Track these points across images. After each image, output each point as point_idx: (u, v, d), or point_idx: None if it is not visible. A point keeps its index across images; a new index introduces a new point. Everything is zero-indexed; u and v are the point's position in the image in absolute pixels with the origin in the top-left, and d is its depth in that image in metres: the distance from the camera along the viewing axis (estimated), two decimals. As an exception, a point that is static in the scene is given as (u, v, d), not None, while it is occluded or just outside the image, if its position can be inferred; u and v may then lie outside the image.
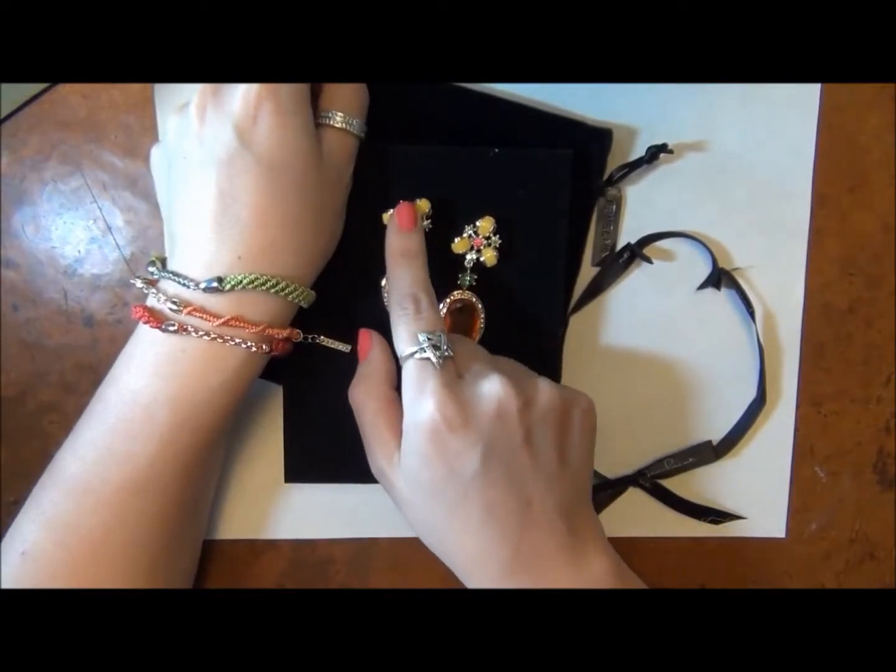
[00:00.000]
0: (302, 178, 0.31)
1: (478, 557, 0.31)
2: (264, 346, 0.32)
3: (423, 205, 0.35)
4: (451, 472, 0.30)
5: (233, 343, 0.31)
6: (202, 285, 0.31)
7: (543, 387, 0.32)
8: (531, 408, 0.31)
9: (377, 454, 0.33)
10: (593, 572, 0.31)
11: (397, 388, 0.33)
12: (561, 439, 0.32)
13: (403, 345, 0.32)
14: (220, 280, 0.30)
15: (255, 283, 0.31)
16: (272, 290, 0.31)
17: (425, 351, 0.31)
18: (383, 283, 0.36)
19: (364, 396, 0.34)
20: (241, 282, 0.30)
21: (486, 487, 0.31)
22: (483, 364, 0.32)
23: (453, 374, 0.32)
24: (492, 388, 0.31)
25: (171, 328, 0.31)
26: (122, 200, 0.38)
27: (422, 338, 0.31)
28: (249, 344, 0.31)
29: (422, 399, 0.31)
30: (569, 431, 0.32)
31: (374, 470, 0.33)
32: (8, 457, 0.39)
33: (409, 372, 0.32)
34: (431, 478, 0.31)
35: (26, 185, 0.38)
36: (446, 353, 0.32)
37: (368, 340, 0.35)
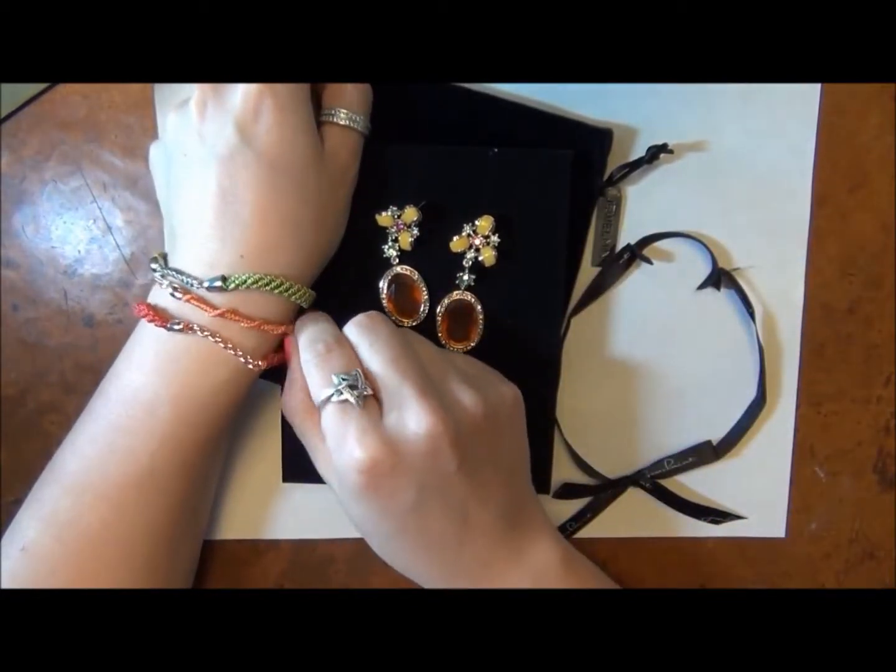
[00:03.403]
0: (302, 176, 0.31)
1: (419, 574, 0.32)
2: (260, 363, 0.32)
3: (412, 213, 0.35)
4: (385, 510, 0.30)
5: (231, 352, 0.31)
6: (205, 284, 0.31)
7: (470, 401, 0.31)
8: (462, 433, 0.30)
9: (316, 461, 0.32)
10: (535, 565, 0.32)
11: None
12: (494, 448, 0.31)
13: (318, 389, 0.30)
14: (224, 279, 0.31)
15: (259, 283, 0.31)
16: (275, 291, 0.31)
17: (342, 393, 0.30)
18: (382, 283, 0.36)
19: (287, 409, 0.33)
20: (244, 281, 0.31)
21: (421, 519, 0.30)
22: (406, 391, 0.30)
23: (376, 413, 0.30)
24: (419, 423, 0.29)
25: (177, 326, 0.31)
26: (122, 200, 0.38)
27: (336, 379, 0.30)
28: (239, 354, 0.31)
29: (345, 446, 0.29)
30: (500, 436, 0.32)
31: (320, 474, 0.33)
32: (8, 457, 0.39)
33: (329, 417, 0.30)
34: (365, 514, 0.31)
35: (26, 185, 0.38)
36: (365, 392, 0.30)
37: (288, 347, 0.33)
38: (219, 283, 0.30)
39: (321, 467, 0.32)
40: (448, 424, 0.29)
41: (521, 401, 0.33)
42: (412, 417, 0.29)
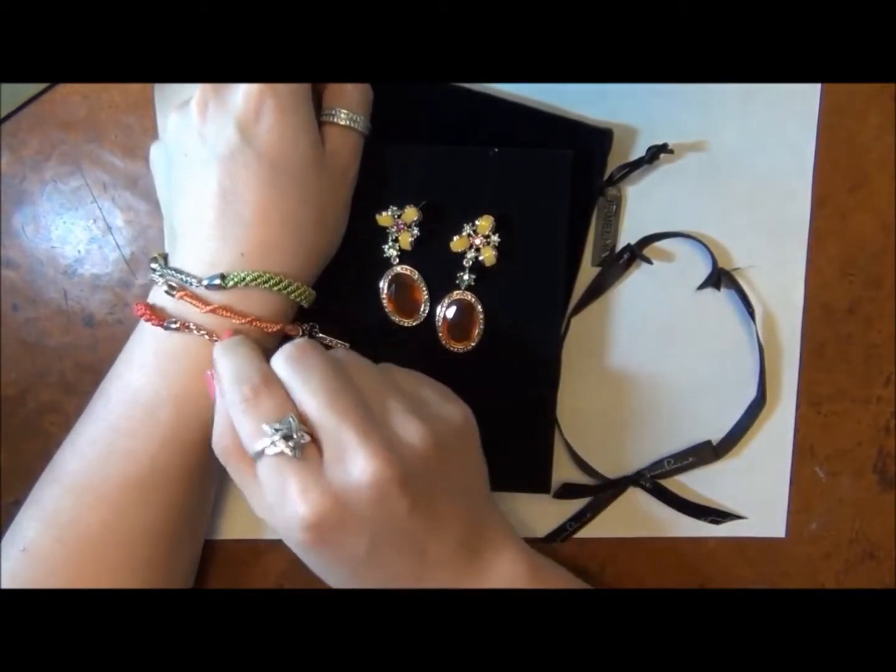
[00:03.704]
0: (303, 176, 0.31)
1: None
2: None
3: (412, 213, 0.35)
4: (337, 560, 0.28)
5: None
6: (204, 282, 0.31)
7: (416, 434, 0.28)
8: (411, 471, 0.28)
9: (254, 507, 0.30)
10: (499, 579, 0.31)
11: None
12: (446, 478, 0.29)
13: (249, 440, 0.28)
14: (223, 277, 0.30)
15: (258, 281, 0.31)
16: (274, 288, 0.31)
17: (276, 444, 0.27)
18: (382, 283, 0.36)
19: (218, 450, 0.30)
20: (244, 279, 0.31)
21: (376, 564, 0.29)
22: (346, 436, 0.27)
23: (316, 463, 0.27)
24: (364, 471, 0.27)
25: (173, 325, 0.31)
26: (122, 200, 0.38)
27: (269, 430, 0.27)
28: None
29: (286, 502, 0.27)
30: (452, 464, 0.30)
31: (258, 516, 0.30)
32: (8, 457, 0.39)
33: (265, 472, 0.27)
34: (316, 562, 0.29)
35: (26, 185, 0.38)
36: (302, 441, 0.27)
37: (210, 383, 0.30)
38: (217, 281, 0.30)
39: (262, 514, 0.29)
40: (395, 466, 0.27)
41: (471, 419, 0.31)
42: (356, 465, 0.27)
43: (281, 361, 0.29)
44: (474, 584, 0.31)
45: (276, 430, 0.27)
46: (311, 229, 0.32)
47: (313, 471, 0.27)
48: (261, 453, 0.27)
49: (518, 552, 0.32)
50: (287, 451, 0.27)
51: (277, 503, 0.27)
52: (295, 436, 0.27)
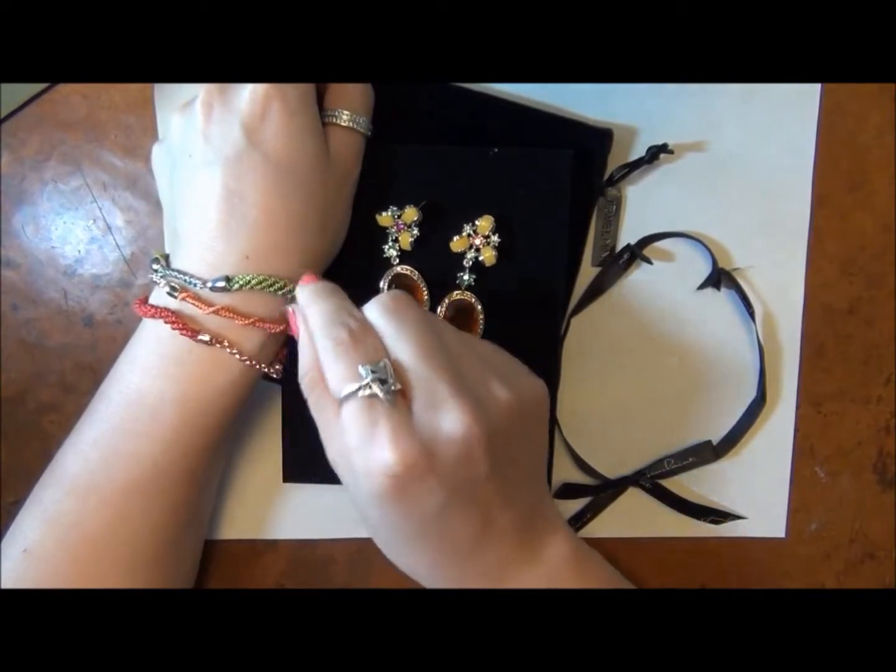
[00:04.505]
0: (309, 178, 0.31)
1: (429, 575, 0.30)
2: (261, 365, 0.32)
3: (412, 213, 0.35)
4: (408, 515, 0.28)
5: (234, 354, 0.31)
6: (209, 284, 0.31)
7: (503, 397, 0.28)
8: (494, 434, 0.28)
9: (329, 448, 0.29)
10: (549, 562, 0.30)
11: None
12: (521, 447, 0.30)
13: (342, 382, 0.27)
14: (228, 279, 0.30)
15: (263, 284, 0.31)
16: (279, 292, 0.31)
17: (371, 387, 0.27)
18: (382, 284, 0.36)
19: (304, 384, 0.30)
20: (249, 282, 0.30)
21: (443, 524, 0.28)
22: (439, 388, 0.27)
23: (405, 411, 0.27)
24: (455, 425, 0.27)
25: (205, 339, 0.31)
26: (122, 200, 0.38)
27: (364, 371, 0.27)
28: (245, 357, 0.31)
29: (373, 446, 0.27)
30: (528, 434, 0.30)
31: (328, 456, 0.30)
32: (8, 457, 0.39)
33: (354, 413, 0.27)
34: (384, 517, 0.28)
35: (26, 185, 0.38)
36: (394, 387, 0.27)
37: (293, 320, 0.30)
38: (222, 284, 0.30)
39: (335, 458, 0.29)
40: (482, 425, 0.27)
41: (547, 395, 0.31)
42: (447, 418, 0.27)
43: (377, 311, 0.29)
44: (526, 564, 0.30)
45: (373, 373, 0.27)
46: (315, 231, 0.32)
47: (404, 417, 0.27)
48: (352, 395, 0.27)
49: (567, 537, 0.31)
50: (381, 394, 0.27)
51: (362, 446, 0.27)
52: (389, 380, 0.27)
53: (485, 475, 0.28)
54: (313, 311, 0.29)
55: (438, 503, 0.27)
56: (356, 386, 0.27)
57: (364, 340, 0.28)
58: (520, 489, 0.30)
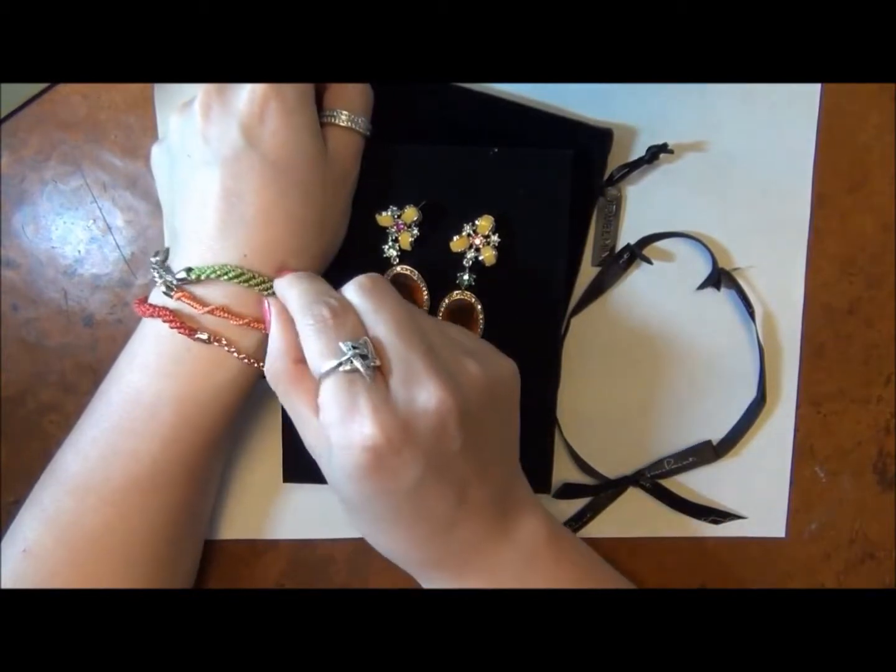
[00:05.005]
0: (307, 177, 0.31)
1: (405, 555, 0.31)
2: (260, 364, 0.32)
3: (412, 213, 0.35)
4: (383, 491, 0.28)
5: (233, 353, 0.31)
6: (178, 275, 0.31)
7: (475, 374, 0.29)
8: (468, 408, 0.29)
9: (304, 434, 0.30)
10: (523, 539, 0.31)
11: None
12: (493, 424, 0.30)
13: (321, 358, 0.28)
14: (188, 270, 0.31)
15: (219, 273, 0.30)
16: (256, 287, 0.31)
17: (352, 362, 0.27)
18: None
19: (271, 374, 0.30)
20: (214, 272, 0.30)
21: (418, 500, 0.29)
22: (415, 363, 0.28)
23: (384, 387, 0.28)
24: (429, 398, 0.28)
25: (203, 337, 0.31)
26: (122, 200, 0.38)
27: (346, 347, 0.28)
28: (242, 356, 0.31)
29: (354, 420, 0.27)
30: (500, 411, 0.31)
31: (306, 444, 0.30)
32: (8, 457, 0.39)
33: (333, 388, 0.28)
34: (359, 493, 0.29)
35: (26, 185, 0.38)
36: (374, 363, 0.28)
37: (265, 311, 0.31)
38: (183, 275, 0.31)
39: (310, 440, 0.30)
40: (457, 399, 0.28)
41: (517, 375, 0.32)
42: (423, 392, 0.28)
43: (355, 290, 0.30)
44: (502, 542, 0.31)
45: (354, 348, 0.28)
46: (314, 231, 0.32)
47: (382, 393, 0.28)
48: (333, 371, 0.28)
49: (541, 517, 0.32)
50: (361, 368, 0.27)
51: (341, 422, 0.27)
52: (369, 356, 0.28)
53: (459, 448, 0.28)
54: (293, 293, 0.30)
55: (414, 477, 0.28)
56: (337, 362, 0.28)
57: (345, 318, 0.29)
58: (493, 466, 0.30)
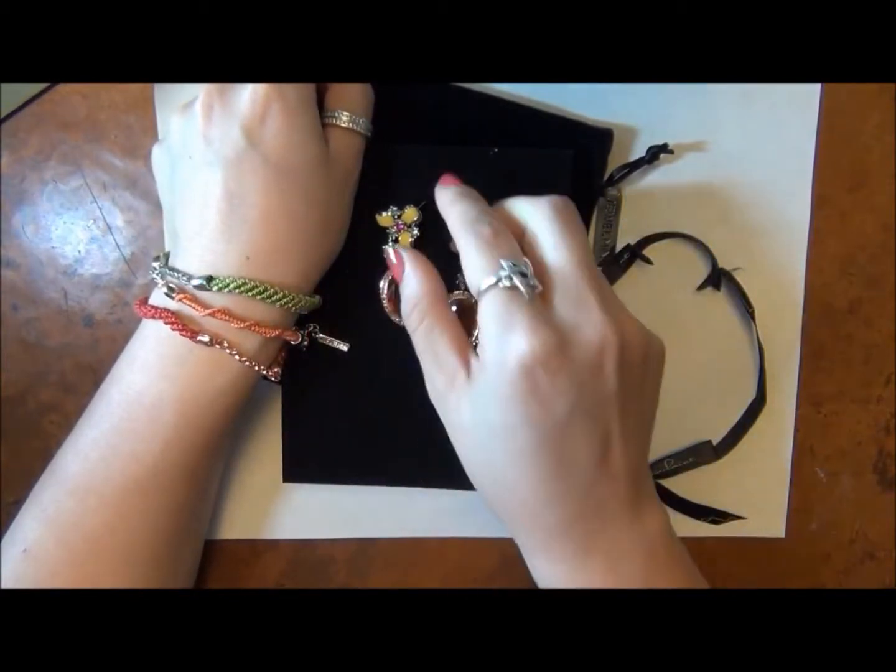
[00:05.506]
0: (309, 179, 0.31)
1: (533, 511, 0.29)
2: (261, 367, 0.32)
3: (412, 213, 0.35)
4: (531, 418, 0.27)
5: (234, 355, 0.31)
6: (194, 282, 0.30)
7: (632, 326, 0.29)
8: (627, 357, 0.28)
9: (435, 376, 0.30)
10: (648, 530, 0.30)
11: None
12: (642, 389, 0.30)
13: (480, 274, 0.28)
14: (209, 279, 0.30)
15: (243, 289, 0.30)
16: (258, 297, 0.31)
17: (512, 279, 0.27)
18: (382, 284, 0.36)
19: (415, 316, 0.30)
20: (227, 285, 0.30)
21: (564, 438, 0.28)
22: (588, 296, 0.28)
23: (544, 308, 0.28)
24: (595, 330, 0.27)
25: (204, 339, 0.31)
26: (122, 200, 0.38)
27: (505, 264, 0.28)
28: (244, 359, 0.31)
29: (512, 334, 0.27)
30: (648, 379, 0.30)
31: (430, 393, 0.31)
32: (8, 457, 0.39)
33: (493, 303, 0.28)
34: (505, 421, 0.28)
35: (26, 185, 0.38)
36: (533, 283, 0.28)
37: (400, 258, 0.31)
38: (199, 282, 0.30)
39: (438, 384, 0.29)
40: (619, 344, 0.28)
41: (664, 356, 0.31)
42: (589, 322, 0.28)
43: (547, 208, 0.30)
44: (632, 523, 0.30)
45: (514, 266, 0.28)
46: (316, 232, 0.32)
47: (543, 313, 0.28)
48: (493, 286, 0.28)
49: (666, 515, 0.31)
50: (521, 286, 0.27)
51: (499, 335, 0.27)
52: (528, 275, 0.28)
53: (612, 391, 0.28)
54: (455, 210, 0.30)
55: (566, 407, 0.27)
56: (496, 278, 0.28)
57: (506, 238, 0.29)
58: (633, 437, 0.30)
